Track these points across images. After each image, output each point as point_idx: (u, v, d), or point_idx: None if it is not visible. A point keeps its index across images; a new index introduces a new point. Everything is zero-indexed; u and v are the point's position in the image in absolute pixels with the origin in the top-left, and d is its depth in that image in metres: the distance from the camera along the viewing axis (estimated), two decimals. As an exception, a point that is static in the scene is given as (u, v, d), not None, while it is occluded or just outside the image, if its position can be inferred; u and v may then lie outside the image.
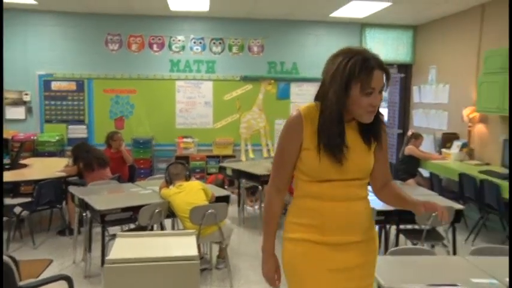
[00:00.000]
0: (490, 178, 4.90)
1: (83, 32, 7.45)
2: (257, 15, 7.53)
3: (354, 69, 1.62)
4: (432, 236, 4.05)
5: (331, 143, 1.68)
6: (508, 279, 2.24)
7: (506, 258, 2.62)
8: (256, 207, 6.40)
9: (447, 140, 6.63)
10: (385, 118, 8.89)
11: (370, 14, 7.07)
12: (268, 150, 7.97)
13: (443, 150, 6.54)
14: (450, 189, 6.00)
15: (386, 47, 8.04)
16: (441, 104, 7.18)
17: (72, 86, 7.49)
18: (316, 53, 7.82)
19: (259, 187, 5.65)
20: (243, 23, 7.75)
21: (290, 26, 7.85)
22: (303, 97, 7.95)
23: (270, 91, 7.93)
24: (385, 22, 7.83)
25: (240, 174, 5.87)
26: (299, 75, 7.94)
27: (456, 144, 6.40)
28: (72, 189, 4.56)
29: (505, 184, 4.66)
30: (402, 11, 6.86)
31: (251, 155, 7.88)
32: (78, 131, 7.56)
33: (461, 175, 5.34)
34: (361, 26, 7.89)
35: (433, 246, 4.04)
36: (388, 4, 6.34)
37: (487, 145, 6.08)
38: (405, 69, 8.26)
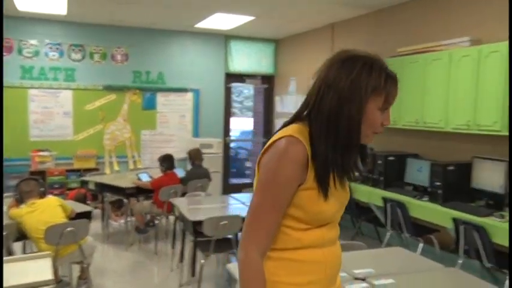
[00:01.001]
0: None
1: None
2: (120, 23, 7.27)
3: (379, 79, 1.33)
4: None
5: (345, 173, 1.38)
6: (356, 271, 2.47)
7: (355, 252, 2.89)
8: (122, 221, 6.13)
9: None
10: (251, 127, 9.28)
11: (235, 27, 7.31)
12: (134, 162, 7.70)
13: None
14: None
15: (250, 58, 8.38)
16: (300, 114, 7.71)
17: None
18: (182, 63, 7.81)
19: (125, 200, 5.42)
20: (106, 30, 7.41)
21: (155, 35, 7.73)
22: (170, 107, 7.87)
23: (135, 101, 7.69)
24: (249, 35, 8.17)
25: (103, 187, 5.58)
26: (165, 85, 7.84)
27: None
28: None
29: (355, 186, 5.15)
30: (264, 25, 7.22)
31: (116, 167, 7.53)
32: None
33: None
34: (226, 37, 8.11)
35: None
36: (251, 18, 6.62)
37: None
38: (268, 80, 8.69)
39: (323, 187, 1.34)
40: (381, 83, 1.33)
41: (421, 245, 4.36)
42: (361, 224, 5.61)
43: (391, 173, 4.95)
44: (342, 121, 1.30)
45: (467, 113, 4.13)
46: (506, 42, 3.76)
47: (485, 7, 4.34)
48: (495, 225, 3.56)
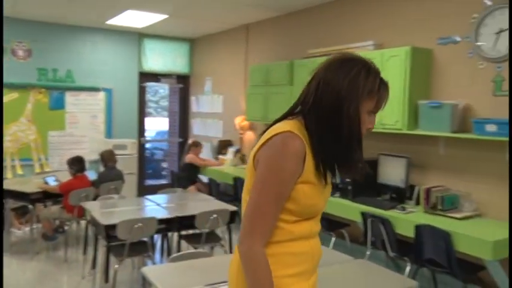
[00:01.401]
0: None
1: None
2: (21, 15, 6.75)
3: (375, 83, 1.40)
4: (211, 238, 4.29)
5: (349, 168, 1.44)
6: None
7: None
8: (27, 229, 5.70)
9: (223, 146, 7.15)
10: (167, 128, 9.11)
11: (149, 25, 7.12)
12: (41, 165, 7.21)
13: (220, 156, 7.02)
14: (228, 193, 6.48)
15: (165, 57, 8.22)
16: (216, 113, 7.72)
17: None
18: (94, 60, 7.45)
19: (30, 206, 5.06)
20: (4, 21, 6.84)
21: (63, 30, 7.29)
22: (80, 107, 7.48)
23: (41, 100, 7.19)
24: (163, 34, 8.01)
25: (5, 193, 5.15)
26: (75, 84, 7.43)
27: (230, 151, 6.96)
28: None
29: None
30: (178, 24, 7.12)
31: (19, 171, 6.99)
32: None
33: (236, 179, 5.82)
34: (139, 35, 7.87)
35: (212, 248, 4.29)
36: (165, 16, 6.50)
37: (256, 150, 6.78)
38: (184, 80, 8.59)
39: (322, 180, 1.41)
40: (375, 87, 1.39)
41: (333, 239, 4.57)
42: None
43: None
44: (342, 119, 1.35)
45: (372, 112, 4.39)
46: (406, 48, 4.07)
47: (387, 13, 4.65)
48: (398, 217, 3.83)
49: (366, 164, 1.47)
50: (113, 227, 3.64)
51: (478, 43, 3.78)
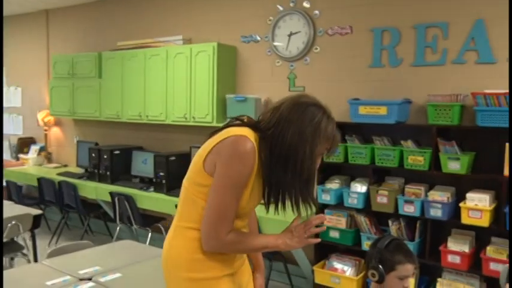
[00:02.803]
0: (67, 179, 5.08)
1: None
2: None
3: (333, 130, 1.55)
4: (12, 247, 3.82)
5: (302, 200, 1.57)
6: (81, 272, 2.39)
7: (82, 252, 2.79)
8: None
9: (24, 144, 6.42)
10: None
11: None
12: None
13: (21, 156, 6.29)
14: (31, 195, 5.85)
15: None
16: (15, 108, 6.88)
17: None
18: None
19: None
20: None
21: None
22: None
23: None
24: None
25: None
26: None
27: (34, 149, 6.29)
28: None
29: (81, 183, 4.95)
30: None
31: None
32: None
33: (40, 179, 5.30)
34: None
35: (12, 259, 3.83)
36: None
37: (63, 147, 6.27)
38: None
39: (267, 200, 1.61)
40: (333, 133, 1.54)
41: (150, 235, 4.54)
42: (90, 222, 5.45)
43: (118, 167, 4.96)
44: (300, 157, 1.49)
45: (184, 106, 4.49)
46: (213, 43, 4.25)
47: (195, 10, 4.77)
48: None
49: (316, 201, 1.69)
50: None
51: (275, 43, 4.18)
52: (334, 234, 3.61)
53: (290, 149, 1.49)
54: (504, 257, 2.93)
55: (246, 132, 1.52)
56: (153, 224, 4.62)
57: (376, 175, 3.54)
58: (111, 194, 4.58)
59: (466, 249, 3.09)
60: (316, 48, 3.97)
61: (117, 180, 4.89)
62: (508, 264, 2.53)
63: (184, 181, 1.63)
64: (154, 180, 4.55)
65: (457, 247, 3.13)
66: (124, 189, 4.61)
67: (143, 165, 4.90)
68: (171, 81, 4.57)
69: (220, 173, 1.49)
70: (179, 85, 4.51)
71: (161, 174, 4.46)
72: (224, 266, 1.62)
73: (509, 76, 2.79)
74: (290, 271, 3.94)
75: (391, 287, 1.93)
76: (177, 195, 4.47)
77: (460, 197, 3.20)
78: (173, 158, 4.52)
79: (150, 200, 4.44)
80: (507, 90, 2.95)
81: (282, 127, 1.50)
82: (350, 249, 3.62)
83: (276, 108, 1.55)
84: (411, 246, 3.11)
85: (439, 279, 3.23)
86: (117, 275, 2.47)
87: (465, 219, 3.05)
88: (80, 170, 5.50)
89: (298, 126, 1.49)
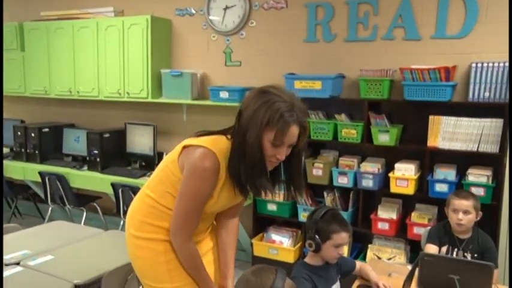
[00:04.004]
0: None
1: None
2: None
3: (274, 116, 1.48)
4: None
5: (255, 189, 1.61)
6: (8, 257, 2.28)
7: (10, 236, 2.65)
8: None
9: None
10: None
11: None
12: None
13: None
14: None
15: None
16: None
17: None
18: None
19: None
20: None
21: None
22: None
23: None
24: None
25: None
26: None
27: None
28: None
29: (6, 163, 4.67)
30: None
31: None
32: None
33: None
34: None
35: None
36: None
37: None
38: None
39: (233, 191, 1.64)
40: (273, 120, 1.47)
41: (84, 214, 4.41)
42: (18, 204, 5.18)
43: (48, 146, 4.71)
44: (246, 145, 1.50)
45: (117, 81, 4.32)
46: (146, 16, 4.09)
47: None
48: (148, 183, 3.94)
49: (301, 183, 1.73)
50: None
51: (210, 17, 4.11)
52: (271, 207, 3.70)
53: (240, 138, 1.53)
54: (426, 221, 3.16)
55: (221, 144, 1.59)
56: (88, 204, 4.48)
57: (312, 148, 3.65)
58: (41, 173, 4.37)
59: (393, 216, 3.29)
60: (252, 23, 3.95)
61: (47, 159, 4.66)
62: (428, 228, 2.72)
63: (144, 188, 1.76)
64: (87, 158, 4.38)
65: (386, 215, 3.32)
66: (55, 169, 4.41)
67: (75, 143, 4.69)
68: (103, 55, 4.37)
69: (184, 182, 1.59)
70: (111, 59, 4.33)
71: (95, 152, 4.31)
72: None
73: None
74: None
75: (327, 255, 2.02)
76: (112, 174, 4.38)
77: (389, 167, 3.38)
78: (107, 135, 4.37)
79: (84, 179, 4.28)
80: (431, 66, 3.12)
81: (238, 118, 1.57)
82: (287, 221, 3.73)
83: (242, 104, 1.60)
84: (345, 215, 3.26)
85: (369, 245, 3.42)
86: (49, 257, 2.39)
87: (393, 188, 3.24)
88: (4, 150, 5.17)
89: (244, 115, 1.53)
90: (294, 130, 1.52)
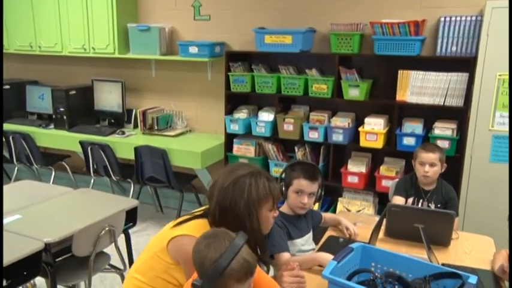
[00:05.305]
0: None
1: None
2: None
3: (264, 188, 1.56)
4: None
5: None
6: None
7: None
8: None
9: None
10: None
11: None
12: None
13: None
14: None
15: None
16: None
17: None
18: None
19: None
20: None
21: None
22: None
23: None
24: None
25: None
26: None
27: None
28: None
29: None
30: None
31: None
32: None
33: None
34: None
35: None
36: None
37: None
38: None
39: None
40: (266, 191, 1.55)
41: (53, 174, 4.33)
42: (-16, 164, 5.04)
43: (10, 103, 4.55)
44: (247, 231, 1.41)
45: (82, 36, 4.15)
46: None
47: None
48: (118, 141, 3.89)
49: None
50: None
51: (178, -33, 3.94)
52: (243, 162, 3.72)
53: (243, 223, 1.53)
54: (393, 174, 3.25)
55: (205, 229, 1.51)
56: (57, 163, 4.40)
57: (283, 104, 3.65)
58: (4, 133, 4.23)
59: (363, 169, 3.37)
60: (221, -26, 3.82)
61: (10, 117, 4.50)
62: (396, 180, 2.81)
63: (132, 272, 1.69)
64: (54, 116, 4.26)
65: (355, 168, 3.39)
66: (19, 127, 4.28)
67: (40, 100, 4.54)
68: (65, 8, 4.16)
69: (189, 274, 1.50)
70: (74, 12, 4.13)
71: (61, 109, 4.19)
72: None
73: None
74: (202, 201, 4.02)
75: (291, 202, 2.07)
76: (80, 132, 4.29)
77: (359, 122, 3.42)
78: (73, 92, 4.24)
79: (51, 138, 4.18)
80: (401, 20, 3.11)
81: (219, 215, 1.57)
82: (259, 176, 3.77)
83: (210, 198, 1.62)
84: (315, 169, 3.31)
85: (340, 199, 3.51)
86: (16, 216, 2.35)
87: (363, 142, 3.29)
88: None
89: (232, 209, 1.54)
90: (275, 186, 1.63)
